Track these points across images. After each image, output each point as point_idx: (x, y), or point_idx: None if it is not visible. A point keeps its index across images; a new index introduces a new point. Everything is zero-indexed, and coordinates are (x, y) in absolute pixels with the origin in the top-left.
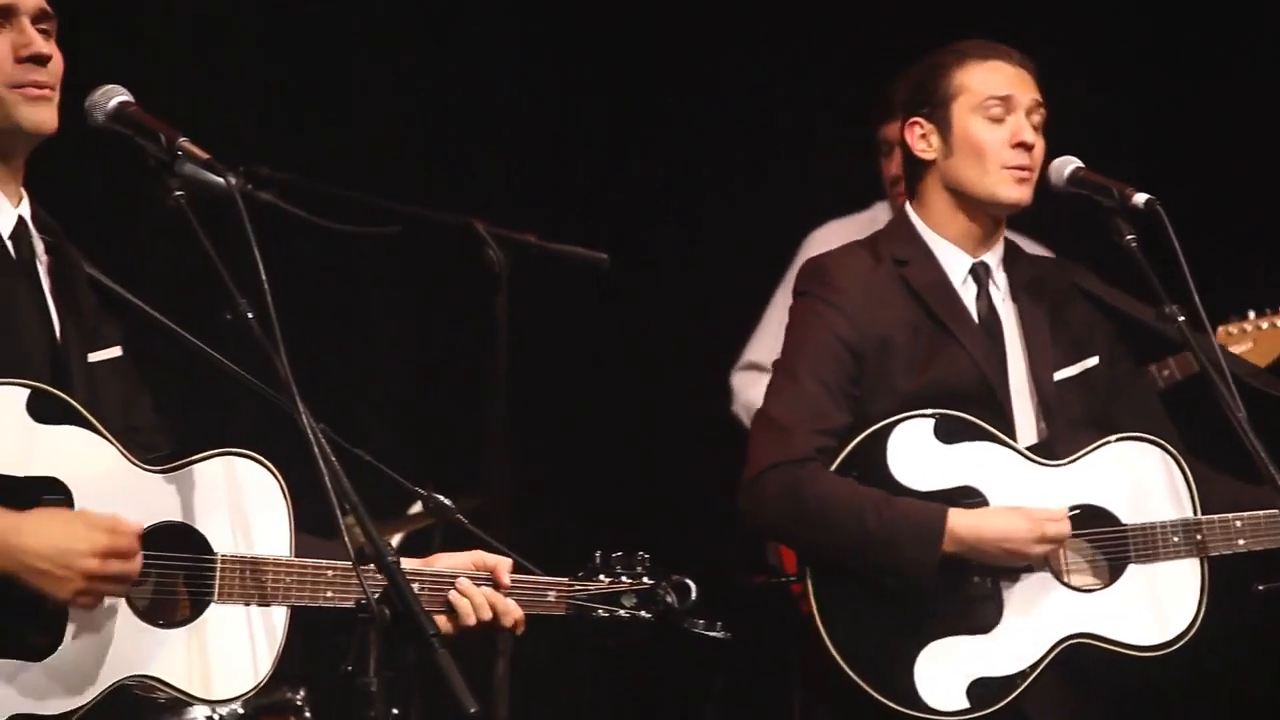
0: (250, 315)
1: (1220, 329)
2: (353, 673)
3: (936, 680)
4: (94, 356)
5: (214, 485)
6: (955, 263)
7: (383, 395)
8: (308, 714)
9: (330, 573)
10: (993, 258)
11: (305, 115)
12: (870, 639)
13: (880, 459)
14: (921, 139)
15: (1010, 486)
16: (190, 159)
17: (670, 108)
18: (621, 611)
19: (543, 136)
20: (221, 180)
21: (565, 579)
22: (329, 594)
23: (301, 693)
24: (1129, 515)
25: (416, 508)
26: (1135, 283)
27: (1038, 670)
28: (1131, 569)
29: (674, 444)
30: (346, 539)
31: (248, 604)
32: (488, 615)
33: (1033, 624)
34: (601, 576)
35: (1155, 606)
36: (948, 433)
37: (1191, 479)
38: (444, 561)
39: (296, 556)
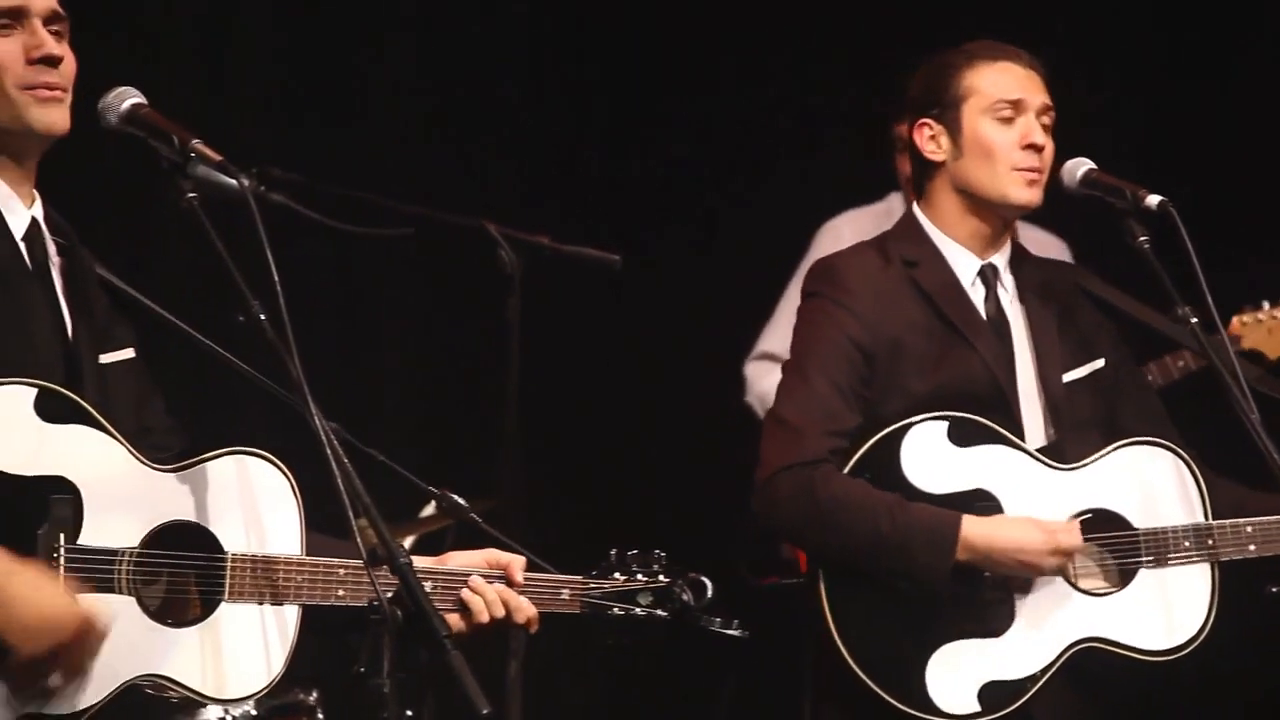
0: (263, 317)
1: (1234, 319)
2: (365, 674)
3: (948, 683)
4: (106, 358)
5: (223, 484)
6: (964, 264)
7: (395, 396)
8: (320, 715)
9: (342, 571)
10: (1000, 259)
11: (317, 117)
12: (882, 641)
13: (894, 461)
14: (931, 140)
15: (1023, 490)
16: (203, 161)
17: (680, 104)
18: (637, 610)
19: (553, 137)
20: (234, 182)
21: (579, 577)
22: (340, 592)
23: (314, 694)
24: (1140, 519)
25: (429, 510)
26: (1149, 284)
27: (1048, 674)
28: (1143, 573)
29: (685, 444)
30: (359, 540)
31: (259, 603)
32: (500, 612)
33: (1044, 627)
34: (617, 574)
35: (1166, 611)
36: (961, 435)
37: (1203, 484)
38: (457, 560)
39: (308, 555)
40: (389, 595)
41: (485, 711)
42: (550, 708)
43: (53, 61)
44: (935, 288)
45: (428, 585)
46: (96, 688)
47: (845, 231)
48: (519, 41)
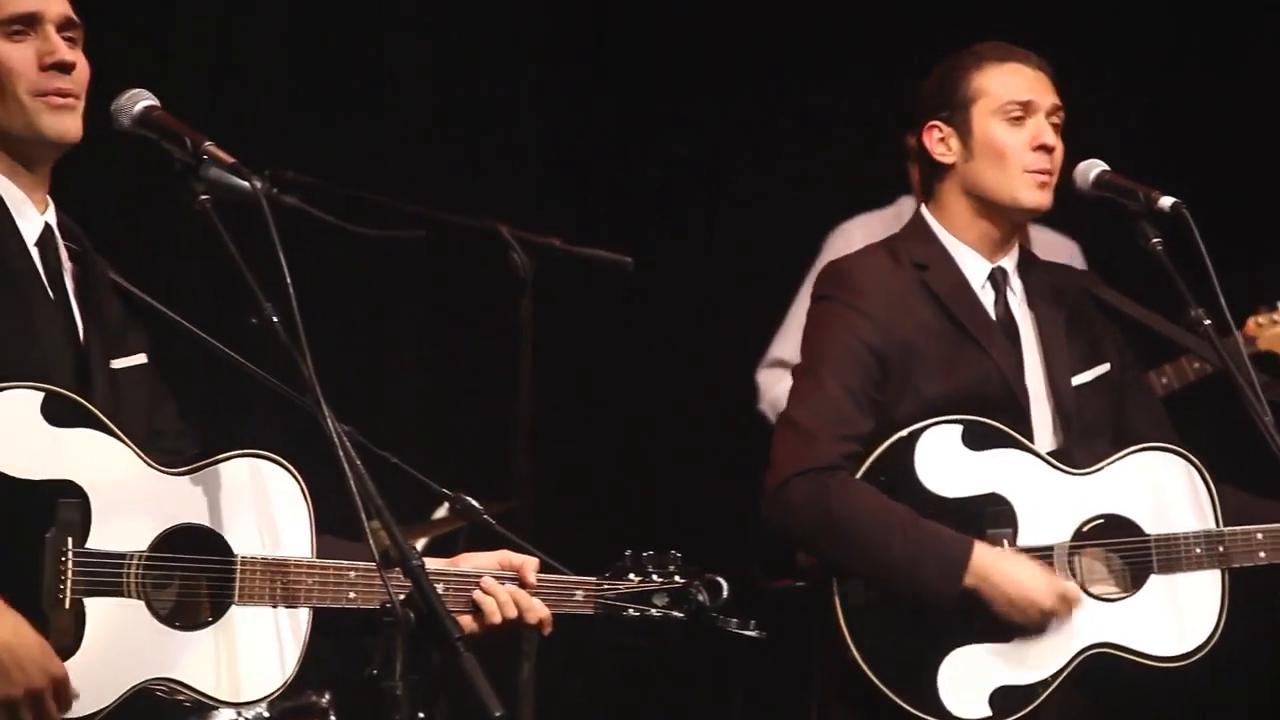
0: (275, 319)
1: (1249, 321)
2: (378, 676)
3: (959, 687)
4: (118, 363)
5: (232, 487)
6: (974, 267)
7: (407, 398)
8: (333, 717)
9: (353, 574)
10: (1009, 263)
11: (328, 119)
12: (894, 645)
13: (908, 465)
14: (940, 142)
15: (1037, 494)
16: (215, 163)
17: (691, 106)
18: (653, 611)
19: (566, 139)
20: (247, 184)
21: (593, 578)
22: (351, 595)
23: (327, 696)
24: (1152, 525)
25: (442, 512)
26: (1161, 286)
27: (1059, 679)
28: (1154, 579)
29: (697, 446)
30: (372, 542)
31: (270, 606)
32: (513, 613)
33: (1055, 633)
34: (632, 575)
35: (1176, 617)
36: (975, 439)
37: (1214, 490)
38: (470, 562)
39: (318, 558)
40: (401, 597)
41: (498, 714)
42: (562, 710)
43: (66, 67)
44: (946, 290)
45: (440, 587)
46: (106, 692)
47: (856, 235)
48: (531, 43)
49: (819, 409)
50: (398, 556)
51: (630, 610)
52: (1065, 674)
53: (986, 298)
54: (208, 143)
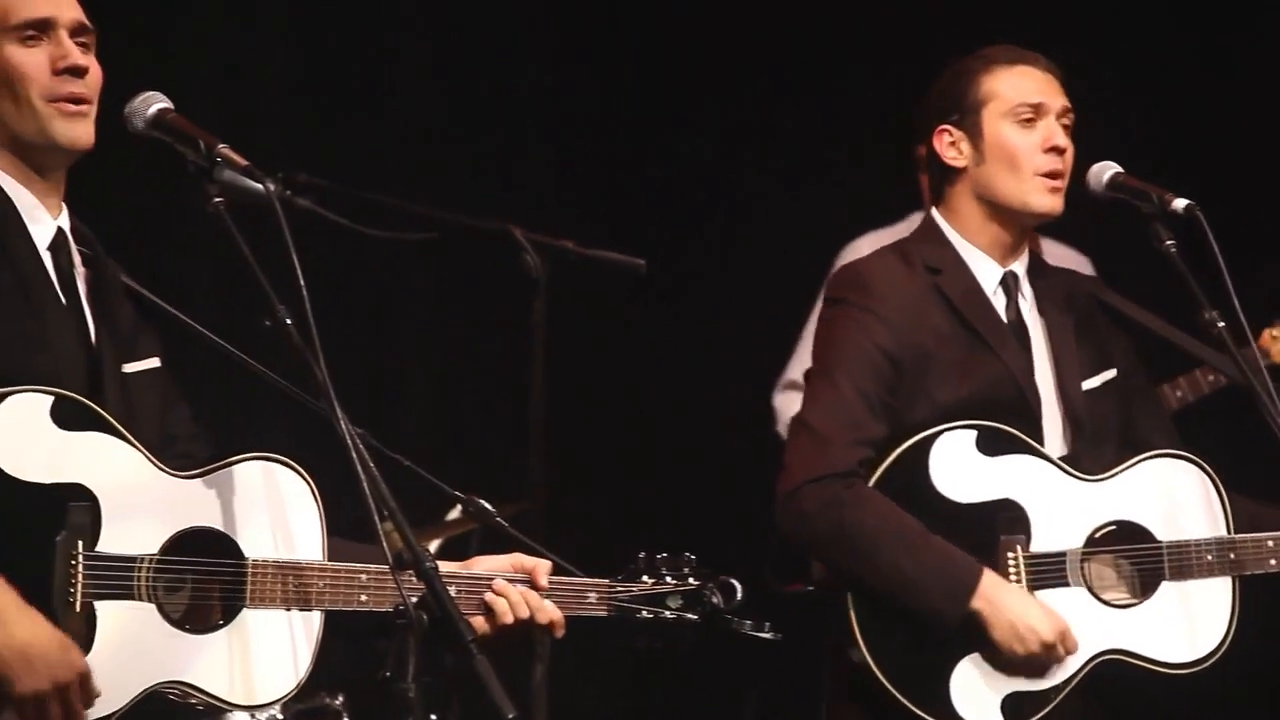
0: (289, 321)
1: (1265, 332)
2: (391, 679)
3: (972, 693)
4: (130, 367)
5: (243, 490)
6: (986, 272)
7: (420, 401)
8: None
9: (364, 576)
10: (1020, 267)
11: (341, 121)
12: (907, 651)
13: (923, 469)
14: (951, 146)
15: (1050, 501)
16: (229, 165)
17: (706, 108)
18: (667, 613)
19: (578, 141)
20: (260, 187)
21: (606, 580)
22: (363, 598)
23: (340, 699)
24: (1164, 532)
25: (454, 514)
26: (1172, 295)
27: (1071, 685)
28: (1165, 586)
29: (710, 449)
30: (385, 545)
31: (284, 608)
32: (525, 613)
33: (1051, 670)
34: (645, 578)
35: (1187, 624)
36: (990, 444)
37: (1226, 497)
38: (482, 565)
39: (329, 560)
40: (414, 599)
41: (510, 716)
42: (575, 712)
43: (79, 72)
44: (959, 295)
45: (452, 589)
46: (117, 695)
47: (866, 252)
48: (545, 46)
49: (833, 412)
50: (410, 559)
51: (644, 612)
52: (1077, 680)
53: (998, 302)
54: (221, 145)
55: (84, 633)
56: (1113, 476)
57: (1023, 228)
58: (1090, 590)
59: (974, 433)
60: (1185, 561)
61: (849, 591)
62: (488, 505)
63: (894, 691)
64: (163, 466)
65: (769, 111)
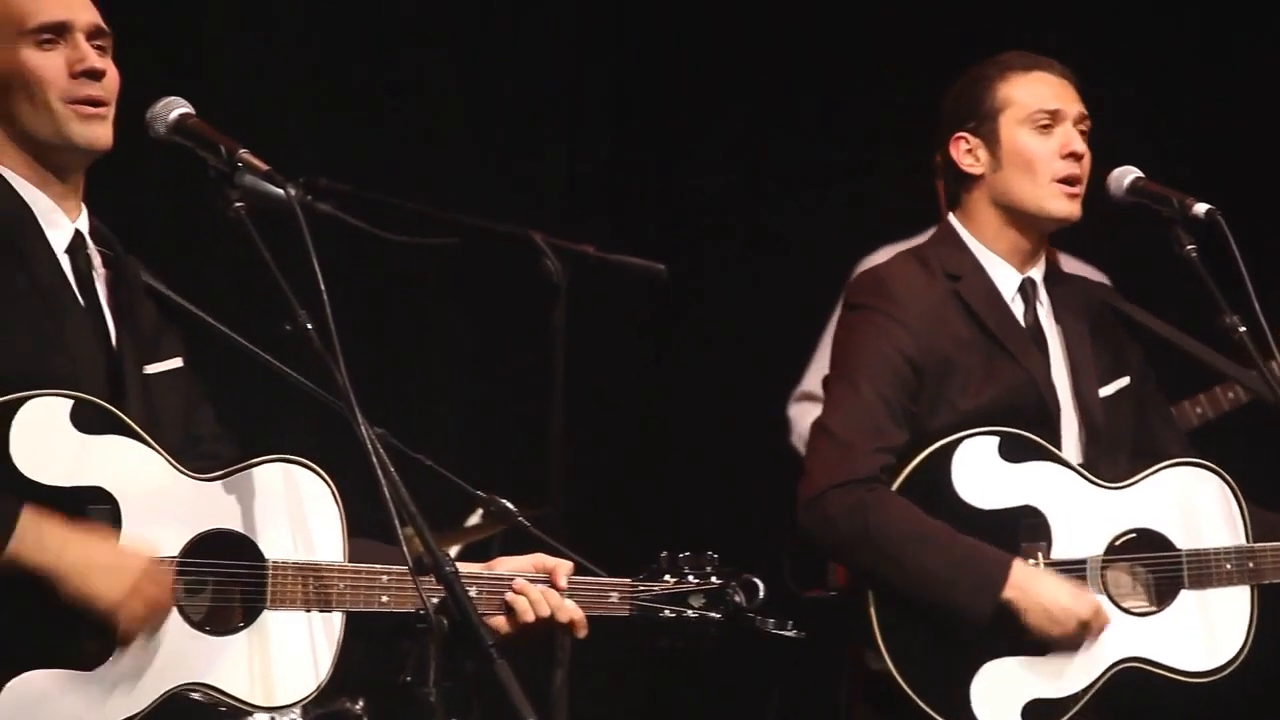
0: (309, 326)
1: None
2: (412, 683)
3: (992, 700)
4: (152, 368)
5: (263, 492)
6: (1005, 278)
7: (441, 405)
8: None
9: (385, 577)
10: (1038, 274)
11: (361, 126)
12: (927, 656)
13: (945, 476)
14: (968, 153)
15: (1071, 508)
16: (250, 170)
17: (727, 115)
18: (689, 612)
19: (600, 146)
20: (281, 191)
21: (628, 580)
22: (384, 599)
23: (360, 702)
24: (1184, 540)
25: (475, 519)
26: (1191, 302)
27: (1091, 692)
28: (1184, 594)
29: (729, 455)
30: (405, 549)
31: (305, 609)
32: (545, 612)
33: (1088, 647)
34: (667, 577)
35: (1207, 632)
36: (1012, 451)
37: (1245, 506)
38: (504, 565)
39: (351, 561)
40: (435, 603)
41: None
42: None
43: (96, 75)
44: (979, 302)
45: (472, 590)
46: (139, 697)
47: None
48: (566, 51)
49: (856, 418)
50: (431, 563)
51: (666, 612)
52: (1097, 687)
53: (1017, 308)
54: (242, 150)
55: (105, 635)
56: (1133, 484)
57: (1040, 234)
58: (1110, 598)
59: (996, 439)
60: (1204, 570)
61: (872, 596)
62: (509, 505)
63: (915, 697)
64: (183, 469)
65: (791, 118)
